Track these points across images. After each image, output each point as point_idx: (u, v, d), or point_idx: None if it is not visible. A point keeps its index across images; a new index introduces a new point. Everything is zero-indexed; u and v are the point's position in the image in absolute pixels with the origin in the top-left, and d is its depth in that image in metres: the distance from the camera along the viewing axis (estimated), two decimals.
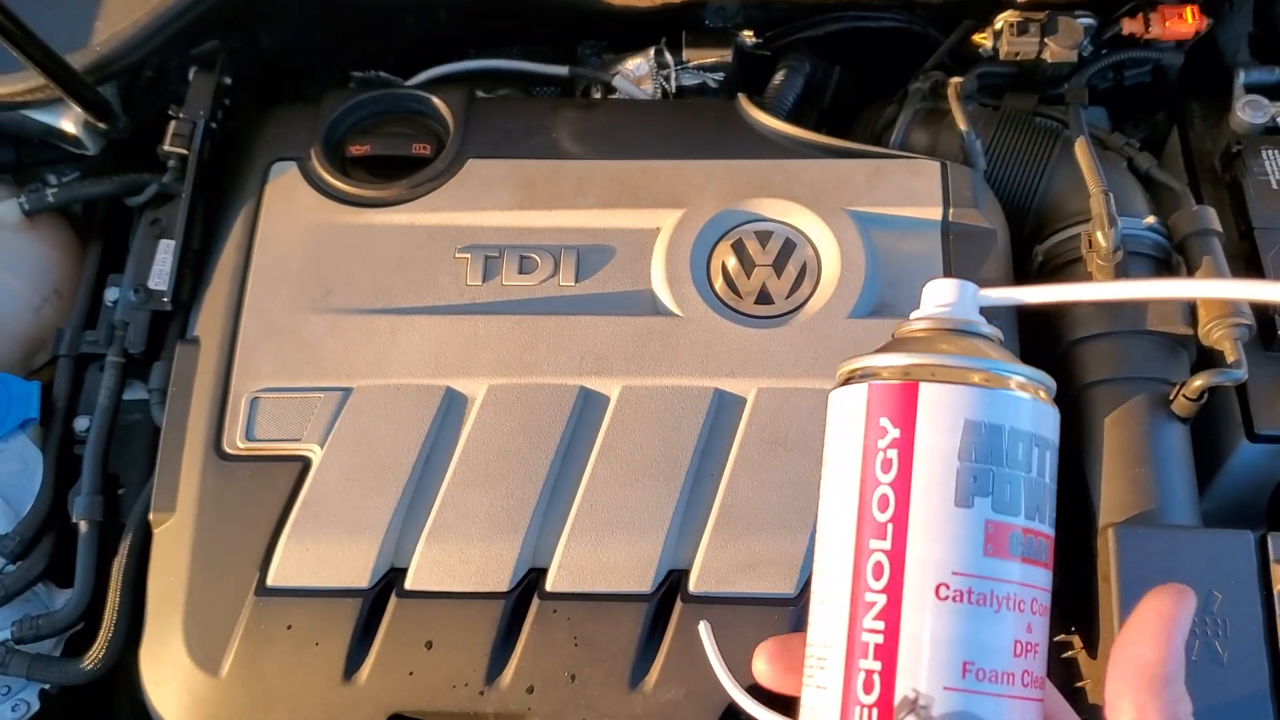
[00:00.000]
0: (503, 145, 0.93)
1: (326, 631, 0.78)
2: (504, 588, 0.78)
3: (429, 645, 0.77)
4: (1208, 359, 0.84)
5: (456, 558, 0.79)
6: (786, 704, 0.51)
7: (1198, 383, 0.80)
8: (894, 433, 0.45)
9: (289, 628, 0.78)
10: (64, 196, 0.95)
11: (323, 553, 0.79)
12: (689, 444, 0.81)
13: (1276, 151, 0.93)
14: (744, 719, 0.77)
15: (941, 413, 0.44)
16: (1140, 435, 0.82)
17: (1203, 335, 0.83)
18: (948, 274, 0.86)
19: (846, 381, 0.48)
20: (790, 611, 0.77)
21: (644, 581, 0.78)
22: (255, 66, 1.03)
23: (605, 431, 0.81)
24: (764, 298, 0.86)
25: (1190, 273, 0.85)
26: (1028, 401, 0.45)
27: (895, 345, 0.49)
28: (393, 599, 0.78)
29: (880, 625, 0.43)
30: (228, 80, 0.96)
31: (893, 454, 0.44)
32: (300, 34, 1.06)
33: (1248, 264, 0.89)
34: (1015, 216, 0.92)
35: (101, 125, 0.92)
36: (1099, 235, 0.83)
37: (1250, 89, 0.98)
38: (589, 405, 0.82)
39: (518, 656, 0.77)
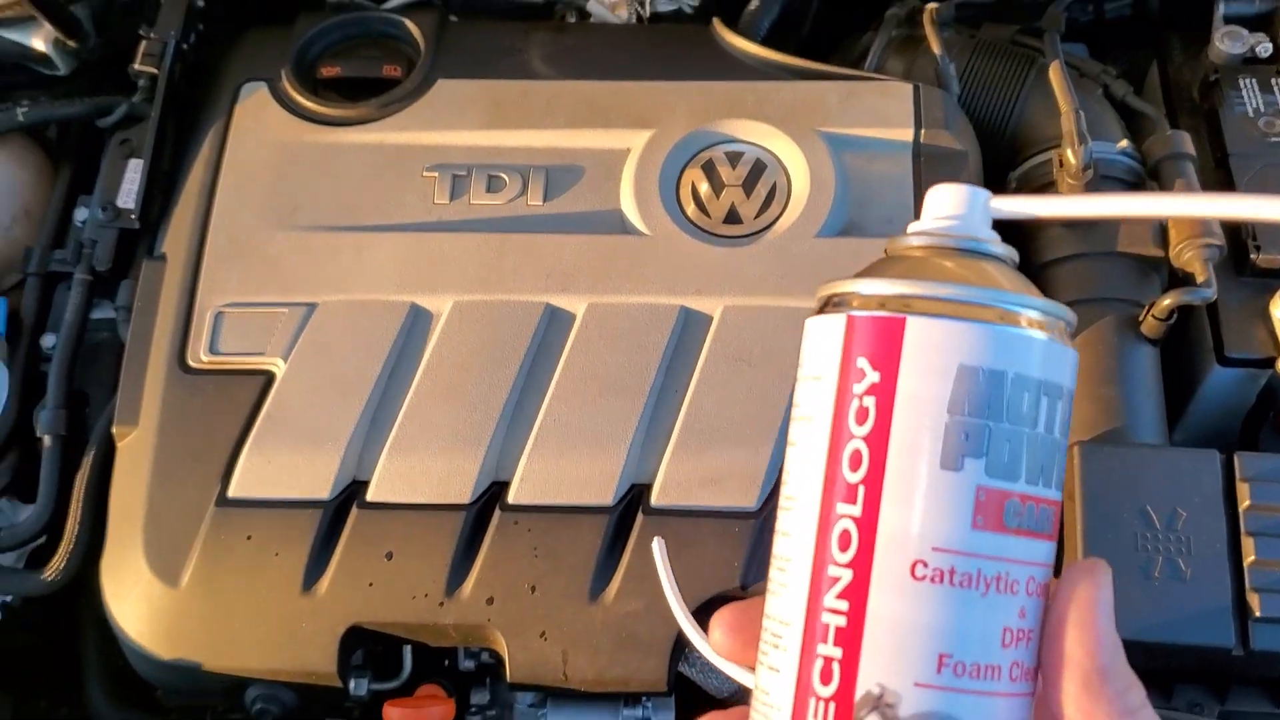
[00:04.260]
0: (473, 67, 0.92)
1: (287, 542, 0.78)
2: (465, 500, 0.78)
3: (389, 556, 0.77)
4: (1179, 283, 0.84)
5: (418, 470, 0.78)
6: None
7: (1166, 302, 0.80)
8: (873, 376, 0.38)
9: (249, 538, 0.78)
10: (35, 116, 0.94)
11: (284, 464, 0.79)
12: (654, 360, 0.80)
13: (1254, 81, 0.93)
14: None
15: (931, 355, 0.37)
16: (1108, 356, 0.81)
17: (1174, 256, 0.82)
18: (918, 195, 0.85)
19: (824, 308, 0.41)
20: (751, 524, 0.76)
21: (605, 494, 0.77)
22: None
23: (570, 347, 0.81)
24: (733, 218, 0.85)
25: None
26: (1039, 342, 0.38)
27: (883, 266, 0.41)
28: (354, 510, 0.78)
29: (844, 605, 0.37)
30: (200, 3, 0.96)
31: (870, 402, 0.38)
32: None
33: (1222, 190, 0.88)
34: (990, 143, 0.92)
35: (71, 43, 0.92)
36: (1069, 153, 0.83)
37: (1230, 20, 0.97)
38: (554, 322, 0.82)
39: (478, 568, 0.77)
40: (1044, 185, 0.88)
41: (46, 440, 0.85)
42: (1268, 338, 0.82)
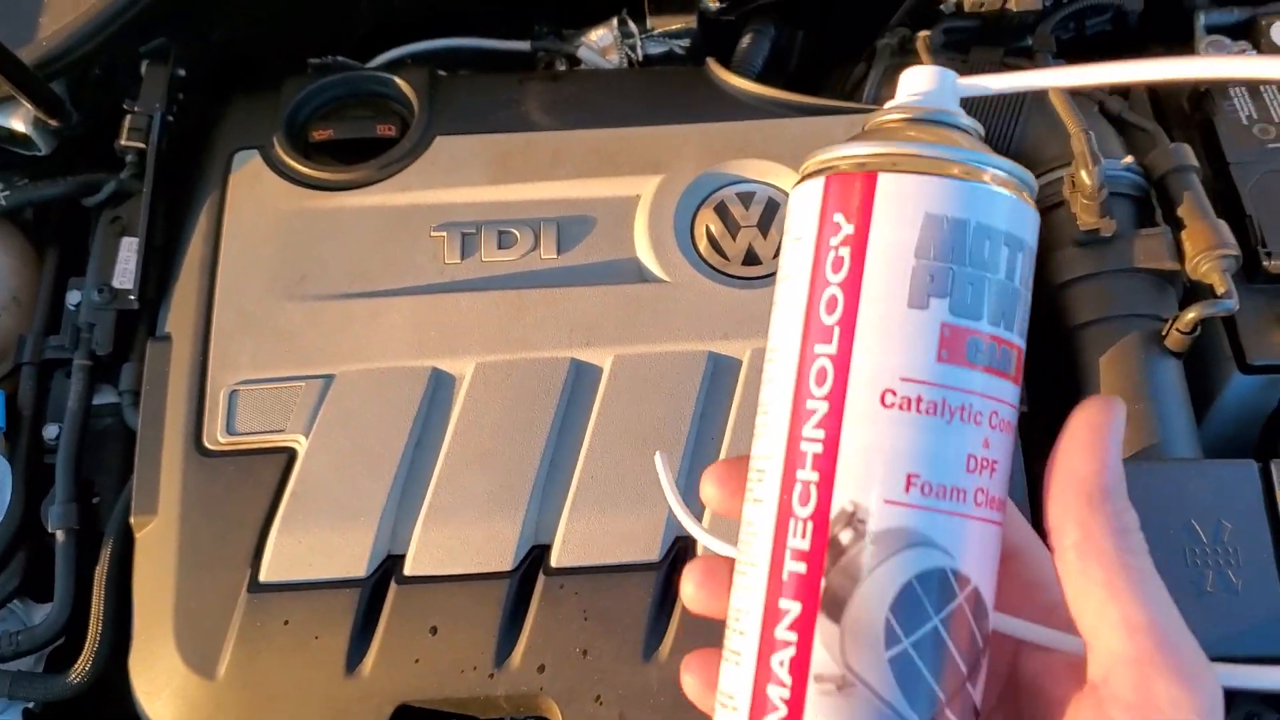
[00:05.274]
0: (471, 121, 0.91)
1: (325, 624, 0.75)
2: (507, 567, 0.76)
3: (434, 631, 0.75)
4: (1194, 294, 0.84)
5: (456, 539, 0.76)
6: None
7: (1190, 315, 0.80)
8: (847, 229, 0.41)
9: (286, 623, 0.75)
10: (16, 200, 0.91)
11: (316, 544, 0.76)
12: (687, 409, 0.79)
13: (1244, 89, 0.94)
14: None
15: (899, 205, 0.41)
16: (1136, 372, 0.82)
17: (1190, 269, 0.83)
18: None
19: (805, 177, 0.44)
20: None
21: (651, 550, 0.76)
22: (207, 64, 0.99)
23: (600, 402, 0.79)
24: (751, 258, 0.84)
25: (1173, 209, 0.86)
26: (1002, 196, 0.41)
27: (859, 136, 0.44)
28: (392, 586, 0.76)
29: (820, 434, 0.40)
30: (181, 72, 0.93)
31: (845, 252, 0.41)
32: (251, 26, 1.03)
33: (1224, 199, 0.89)
34: None
35: (53, 122, 0.89)
36: (1083, 174, 0.83)
37: (1211, 30, 0.98)
38: (581, 377, 0.80)
39: (526, 635, 0.75)
40: (1053, 206, 0.88)
41: (59, 536, 0.81)
42: None
